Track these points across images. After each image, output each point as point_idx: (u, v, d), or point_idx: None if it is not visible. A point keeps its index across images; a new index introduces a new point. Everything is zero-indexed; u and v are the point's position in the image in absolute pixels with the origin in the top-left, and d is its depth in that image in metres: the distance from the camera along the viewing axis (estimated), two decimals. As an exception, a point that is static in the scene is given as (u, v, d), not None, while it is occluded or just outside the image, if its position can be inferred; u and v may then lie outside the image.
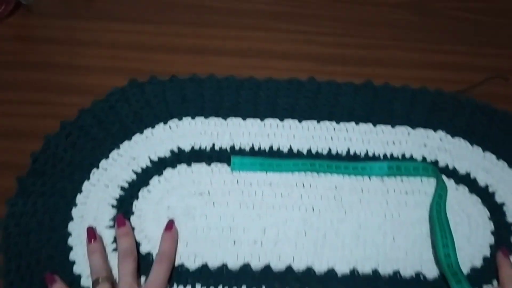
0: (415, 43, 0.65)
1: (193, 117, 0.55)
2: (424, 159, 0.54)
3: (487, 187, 0.52)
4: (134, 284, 0.43)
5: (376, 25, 0.66)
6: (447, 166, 0.54)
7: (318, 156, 0.54)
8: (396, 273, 0.47)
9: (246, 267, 0.47)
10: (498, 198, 0.52)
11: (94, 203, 0.49)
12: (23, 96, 0.57)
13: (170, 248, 0.46)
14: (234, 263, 0.47)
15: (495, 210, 0.51)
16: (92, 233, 0.47)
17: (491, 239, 0.50)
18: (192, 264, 0.47)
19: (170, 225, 0.48)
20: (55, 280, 0.44)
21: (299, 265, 0.47)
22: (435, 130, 0.56)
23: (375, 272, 0.47)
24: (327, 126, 0.56)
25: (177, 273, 0.46)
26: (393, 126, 0.56)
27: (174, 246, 0.47)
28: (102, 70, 0.59)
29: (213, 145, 0.54)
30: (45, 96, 0.57)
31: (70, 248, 0.47)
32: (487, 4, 0.70)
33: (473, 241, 0.49)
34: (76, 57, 0.61)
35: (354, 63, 0.62)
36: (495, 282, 0.47)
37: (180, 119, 0.55)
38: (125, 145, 0.53)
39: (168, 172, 0.52)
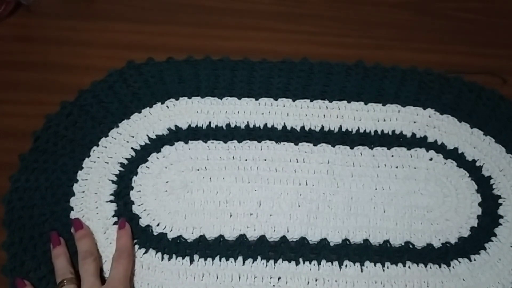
0: (415, 43, 0.65)
1: (189, 97, 0.57)
2: (413, 135, 0.56)
3: (474, 161, 0.54)
4: (98, 282, 0.44)
5: (376, 25, 0.67)
6: (435, 141, 0.55)
7: (311, 133, 0.55)
8: (386, 242, 0.49)
9: (242, 238, 0.48)
10: (485, 172, 0.54)
11: (94, 179, 0.51)
12: (23, 96, 0.58)
13: (127, 243, 0.47)
14: (230, 234, 0.49)
15: (482, 183, 0.53)
16: (56, 239, 0.47)
17: (478, 210, 0.51)
18: (190, 235, 0.48)
19: (123, 223, 0.48)
20: (60, 242, 0.46)
21: (293, 235, 0.49)
22: (424, 107, 0.58)
23: (366, 241, 0.49)
24: (320, 104, 0.58)
25: (176, 244, 0.48)
26: (383, 104, 0.58)
27: (131, 241, 0.47)
28: (102, 70, 0.59)
29: (209, 123, 0.56)
30: (45, 96, 0.57)
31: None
32: (487, 4, 0.70)
33: (461, 212, 0.51)
34: (76, 57, 0.61)
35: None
36: (482, 252, 0.49)
37: (177, 99, 0.57)
38: (124, 124, 0.55)
39: (166, 149, 0.54)
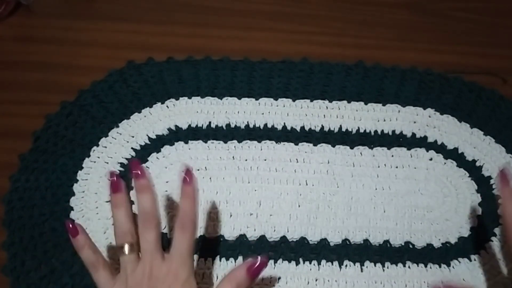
0: (415, 43, 0.65)
1: (189, 97, 0.57)
2: (413, 135, 0.56)
3: (474, 161, 0.54)
4: (159, 255, 0.40)
5: (376, 25, 0.67)
6: (435, 141, 0.55)
7: (311, 133, 0.55)
8: (386, 242, 0.49)
9: (242, 238, 0.48)
10: (485, 172, 0.54)
11: (94, 179, 0.51)
12: (23, 96, 0.58)
13: (191, 209, 0.40)
14: (230, 234, 0.49)
15: (482, 183, 0.53)
16: (117, 184, 0.40)
17: (478, 210, 0.51)
18: (190, 235, 0.48)
19: (189, 176, 0.40)
20: (78, 231, 0.40)
21: (293, 235, 0.49)
22: (424, 107, 0.58)
23: (366, 241, 0.49)
24: (320, 104, 0.58)
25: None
26: (383, 104, 0.58)
27: (195, 206, 0.40)
28: (102, 70, 0.59)
29: (209, 123, 0.56)
30: (45, 96, 0.57)
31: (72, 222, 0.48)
32: (487, 4, 0.70)
33: (461, 212, 0.51)
34: (76, 57, 0.61)
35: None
36: (482, 252, 0.49)
37: (177, 99, 0.57)
38: (124, 124, 0.55)
39: (166, 149, 0.54)
